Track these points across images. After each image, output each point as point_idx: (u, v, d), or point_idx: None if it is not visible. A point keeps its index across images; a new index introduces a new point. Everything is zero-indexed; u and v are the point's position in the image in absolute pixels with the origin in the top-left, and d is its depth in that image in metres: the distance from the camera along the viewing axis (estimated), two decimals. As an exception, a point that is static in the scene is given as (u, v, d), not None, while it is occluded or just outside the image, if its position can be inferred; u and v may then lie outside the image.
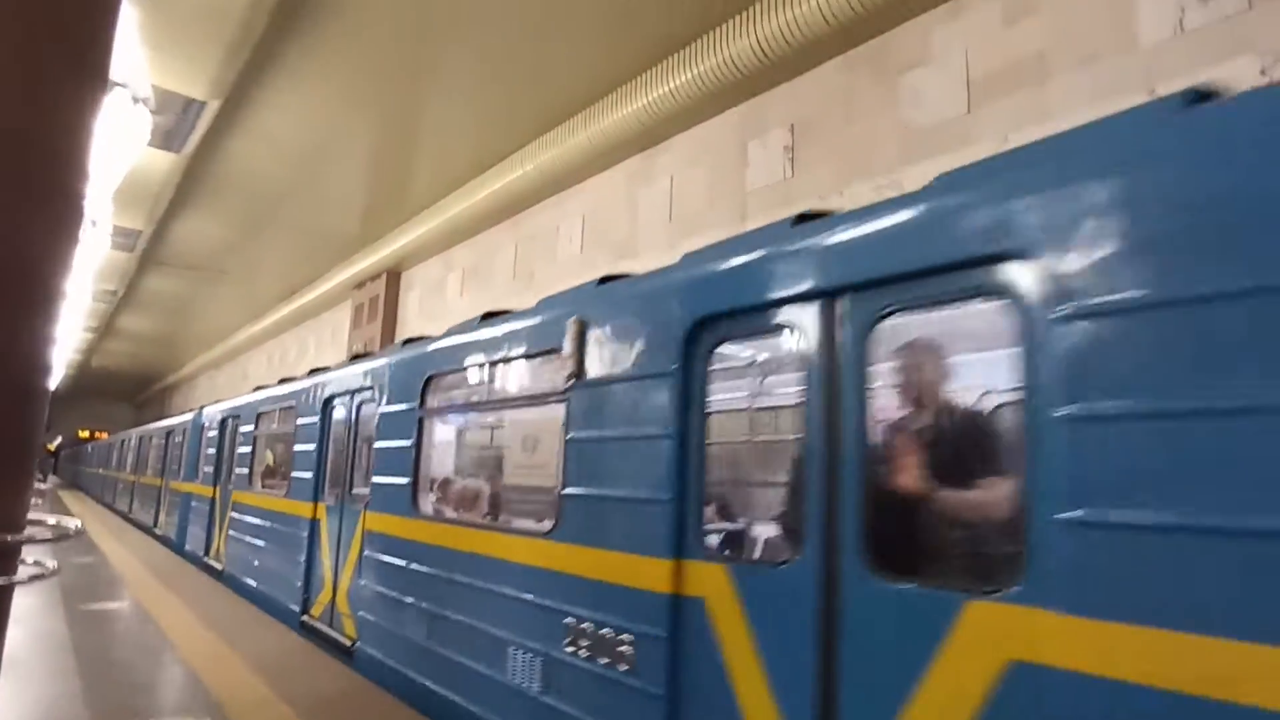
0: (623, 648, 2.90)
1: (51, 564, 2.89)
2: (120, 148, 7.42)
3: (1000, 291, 2.09)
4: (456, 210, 10.77)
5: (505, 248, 10.78)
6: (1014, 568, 1.92)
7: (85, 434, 42.15)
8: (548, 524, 3.49)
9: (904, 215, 2.37)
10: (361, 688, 3.98)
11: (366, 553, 5.07)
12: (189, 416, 12.30)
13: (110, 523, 14.57)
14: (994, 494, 2.17)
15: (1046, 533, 1.85)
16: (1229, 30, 4.21)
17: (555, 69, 7.49)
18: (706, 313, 2.91)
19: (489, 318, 4.74)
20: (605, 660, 2.97)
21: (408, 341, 5.86)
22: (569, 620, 3.18)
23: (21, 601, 6.10)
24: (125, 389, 41.99)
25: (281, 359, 20.66)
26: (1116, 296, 1.81)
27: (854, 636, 2.24)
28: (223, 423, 9.94)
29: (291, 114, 8.85)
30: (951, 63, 5.55)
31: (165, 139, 8.75)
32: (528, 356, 4.03)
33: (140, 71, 7.06)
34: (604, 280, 3.86)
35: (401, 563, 4.57)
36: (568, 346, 3.44)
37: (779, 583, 2.48)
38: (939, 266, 2.20)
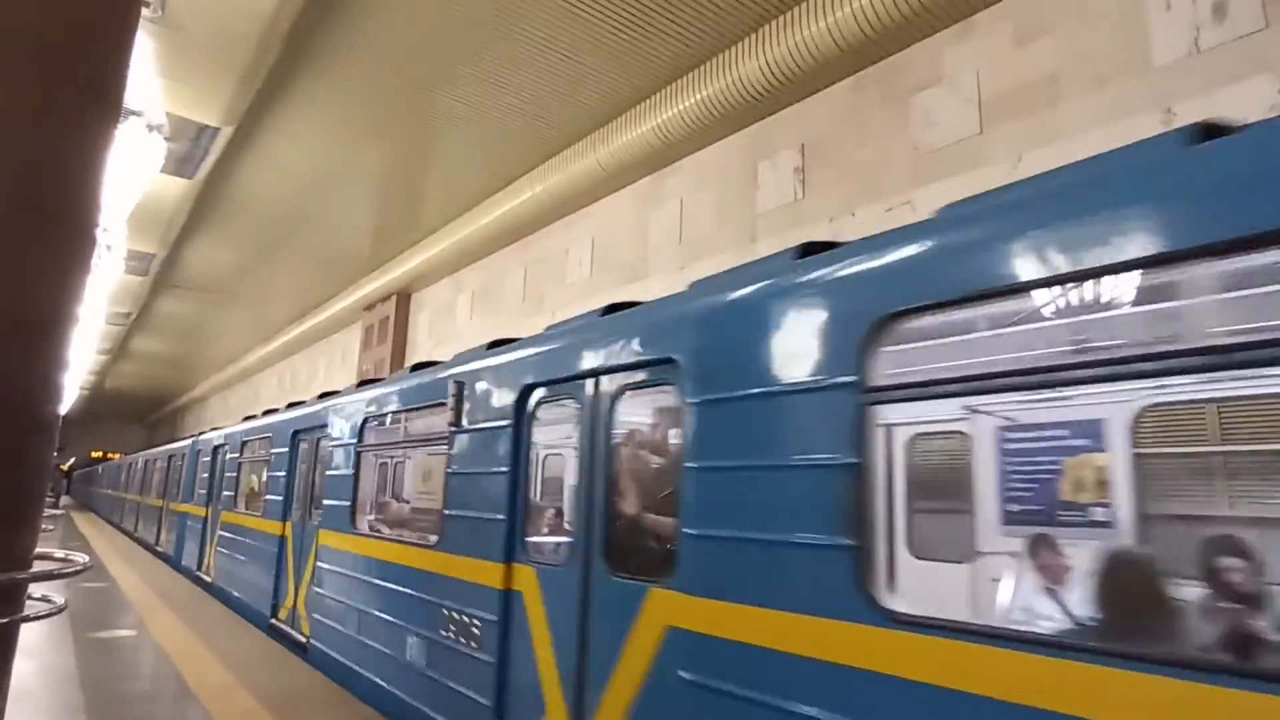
0: (474, 629, 3.92)
1: (60, 600, 2.84)
2: (134, 174, 7.50)
3: (670, 383, 3.13)
4: (466, 233, 10.81)
5: (514, 270, 10.79)
6: (671, 565, 2.92)
7: (99, 454, 42.31)
8: (434, 538, 4.53)
9: (624, 325, 3.50)
10: (316, 682, 3.96)
11: (319, 563, 6.11)
12: (187, 443, 13.48)
13: (118, 543, 14.57)
14: (666, 518, 3.18)
15: (684, 543, 2.87)
16: (1245, 50, 4.17)
17: (564, 92, 7.53)
18: (528, 382, 3.94)
19: (418, 368, 5.76)
20: (464, 640, 3.98)
21: (362, 383, 6.93)
22: (445, 611, 4.20)
23: (30, 631, 6.07)
24: (138, 410, 42.26)
25: (293, 380, 20.72)
26: (713, 394, 2.88)
27: (597, 613, 3.29)
28: (215, 450, 10.86)
29: (302, 139, 8.93)
30: (962, 83, 5.53)
31: (179, 165, 8.83)
32: (428, 407, 5.02)
33: (154, 99, 7.15)
34: (493, 344, 4.80)
35: (340, 570, 5.64)
36: (450, 401, 4.46)
37: (560, 579, 3.52)
38: (645, 362, 3.26)
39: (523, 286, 10.52)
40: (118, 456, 32.51)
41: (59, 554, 2.91)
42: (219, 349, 22.95)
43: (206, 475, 11.00)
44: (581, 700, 3.23)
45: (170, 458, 14.39)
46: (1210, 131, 1.97)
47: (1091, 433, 3.95)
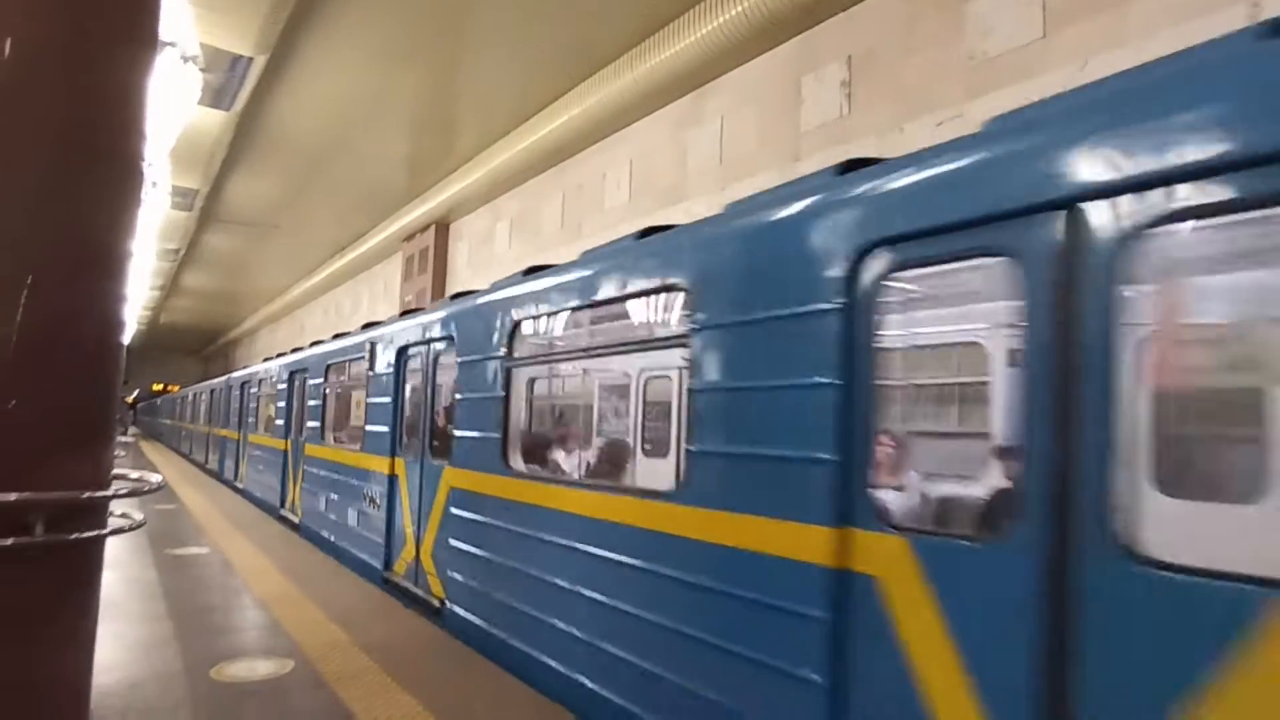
0: (376, 503, 5.22)
1: (138, 516, 3.04)
2: (172, 107, 7.55)
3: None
4: (502, 159, 10.70)
5: (552, 197, 10.71)
6: (451, 453, 4.15)
7: (159, 387, 44.31)
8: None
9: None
10: (436, 636, 4.15)
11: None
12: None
13: (184, 469, 15.40)
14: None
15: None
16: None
17: (599, 8, 7.27)
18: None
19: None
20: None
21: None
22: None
23: (113, 545, 6.51)
24: (192, 344, 43.83)
25: (337, 312, 21.18)
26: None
27: (426, 482, 5.15)
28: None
29: (335, 67, 8.84)
30: (1024, -16, 5.17)
31: (215, 97, 8.85)
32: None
33: (188, 29, 7.12)
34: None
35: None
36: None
37: (411, 464, 5.63)
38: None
39: (561, 213, 10.45)
40: (176, 389, 33.99)
41: (134, 474, 3.09)
42: (265, 283, 23.47)
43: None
44: (420, 531, 5.14)
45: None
46: None
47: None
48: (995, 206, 2.05)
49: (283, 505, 9.39)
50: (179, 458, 19.48)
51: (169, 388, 42.20)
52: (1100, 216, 1.85)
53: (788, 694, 2.40)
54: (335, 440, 7.88)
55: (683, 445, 3.06)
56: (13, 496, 2.49)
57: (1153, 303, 2.61)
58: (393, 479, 5.87)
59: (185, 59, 7.65)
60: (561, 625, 3.41)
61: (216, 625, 4.19)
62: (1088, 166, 1.88)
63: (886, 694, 2.15)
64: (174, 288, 24.21)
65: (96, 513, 2.81)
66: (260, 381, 11.53)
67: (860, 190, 2.48)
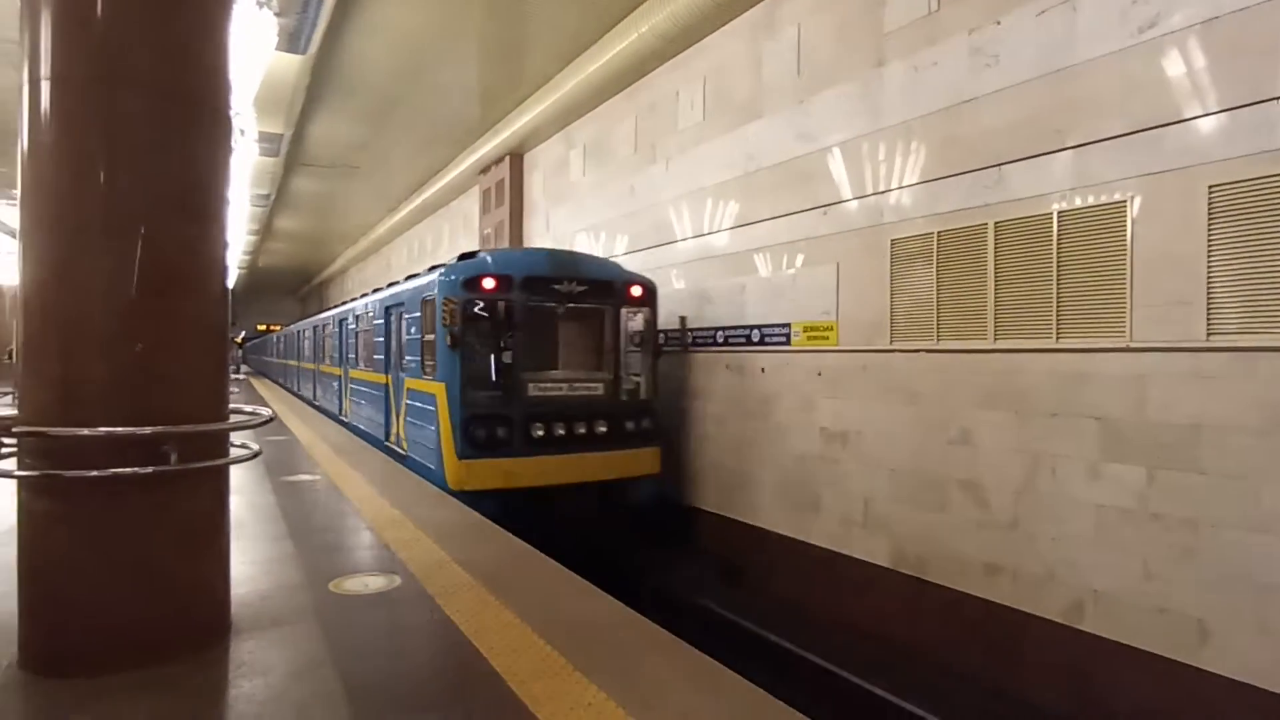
0: (377, 399, 10.09)
1: (255, 446, 3.34)
2: (252, 53, 7.78)
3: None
4: (572, 84, 10.57)
5: (625, 119, 10.55)
6: (410, 369, 8.66)
7: (263, 327, 47.29)
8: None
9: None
10: (529, 555, 4.42)
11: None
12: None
13: (292, 404, 16.55)
14: (414, 355, 8.42)
15: (388, 357, 9.78)
16: None
17: (665, -86, 6.93)
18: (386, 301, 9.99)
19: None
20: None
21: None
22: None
23: (236, 473, 7.14)
24: (290, 285, 46.20)
25: (420, 249, 21.80)
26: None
27: (401, 391, 9.09)
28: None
29: (403, 1, 8.87)
30: None
31: (290, 41, 9.05)
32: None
33: (260, -27, 7.26)
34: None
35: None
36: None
37: (396, 377, 9.29)
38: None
39: (634, 136, 10.30)
40: (279, 328, 36.32)
41: (248, 409, 3.38)
42: (351, 223, 24.34)
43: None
44: (396, 419, 8.87)
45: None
46: None
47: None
48: (425, 294, 7.79)
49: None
50: (286, 393, 20.93)
51: (271, 327, 45.01)
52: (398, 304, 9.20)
53: (384, 414, 9.51)
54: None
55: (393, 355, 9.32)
56: (148, 430, 2.80)
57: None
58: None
59: (260, 3, 7.83)
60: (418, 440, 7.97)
61: (330, 544, 4.61)
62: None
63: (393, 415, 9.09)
64: (268, 232, 25.43)
65: (219, 443, 3.11)
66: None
67: (398, 287, 9.42)
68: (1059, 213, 5.11)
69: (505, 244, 14.21)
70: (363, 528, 5.03)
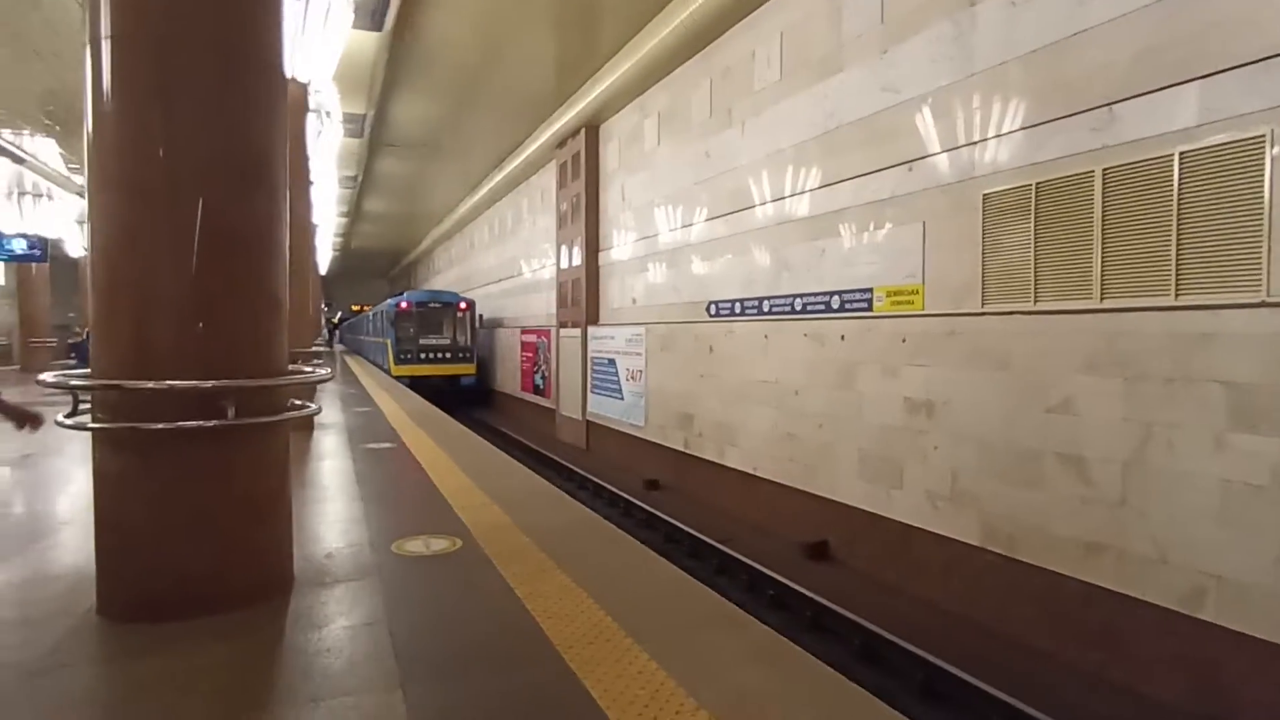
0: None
1: (313, 405, 3.36)
2: (329, 31, 7.94)
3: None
4: (646, 49, 10.36)
5: (699, 84, 10.26)
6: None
7: (356, 308, 49.46)
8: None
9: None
10: (591, 522, 4.35)
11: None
12: (379, 307, 26.26)
13: (379, 378, 17.22)
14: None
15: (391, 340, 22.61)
16: None
17: None
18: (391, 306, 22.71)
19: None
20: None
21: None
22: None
23: (322, 440, 7.39)
24: (380, 266, 48.03)
25: (500, 226, 22.12)
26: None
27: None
28: (382, 313, 23.95)
29: (474, -31, 8.88)
30: None
31: (367, 18, 9.21)
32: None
33: (333, -52, 7.36)
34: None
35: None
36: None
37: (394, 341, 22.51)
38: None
39: (709, 100, 10.01)
40: (369, 308, 38.90)
41: (306, 368, 3.41)
42: (434, 203, 24.95)
43: (382, 325, 22.64)
44: (388, 356, 21.50)
45: (375, 315, 23.66)
46: None
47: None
48: (386, 308, 23.48)
49: (383, 366, 19.10)
50: (375, 368, 21.86)
51: (365, 308, 47.18)
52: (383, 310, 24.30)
53: (384, 354, 22.23)
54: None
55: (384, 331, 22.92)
56: (209, 384, 2.84)
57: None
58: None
59: (336, -20, 7.97)
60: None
61: (398, 507, 4.70)
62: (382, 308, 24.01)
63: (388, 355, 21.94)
64: (358, 214, 26.40)
65: (277, 400, 3.14)
66: (377, 314, 23.66)
67: (384, 303, 25.00)
68: (1181, 154, 4.57)
69: (583, 217, 14.23)
70: (432, 492, 5.08)
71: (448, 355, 20.81)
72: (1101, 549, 5.01)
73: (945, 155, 6.29)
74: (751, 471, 9.00)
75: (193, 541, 2.84)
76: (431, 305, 21.14)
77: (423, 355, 20.54)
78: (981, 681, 4.76)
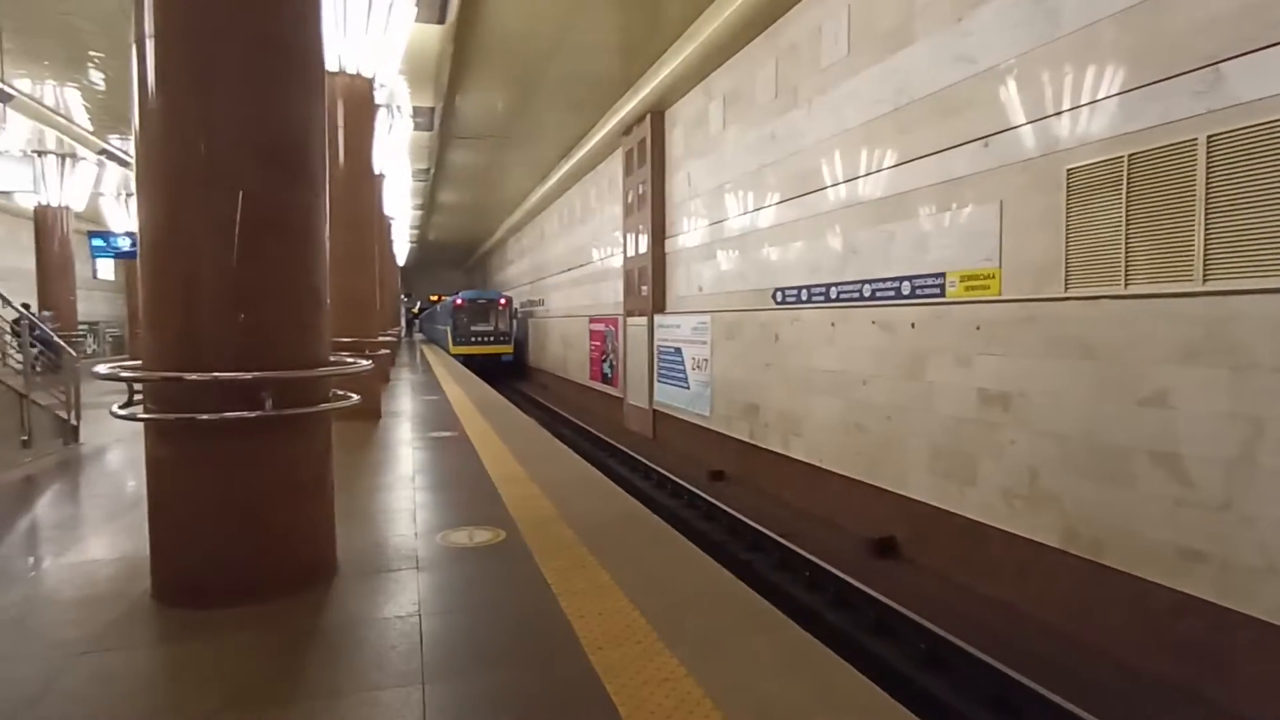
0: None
1: (355, 396, 3.38)
2: (392, 24, 8.06)
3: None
4: (710, 30, 10.14)
5: (765, 63, 9.96)
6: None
7: (434, 298, 51.10)
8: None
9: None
10: (640, 517, 4.27)
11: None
12: (442, 303, 30.57)
13: (450, 366, 17.63)
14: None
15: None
16: None
17: None
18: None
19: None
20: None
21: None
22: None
23: (391, 429, 7.57)
24: (456, 257, 49.18)
25: (570, 214, 22.25)
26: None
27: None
28: (442, 307, 27.97)
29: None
30: None
31: (430, 10, 9.32)
32: None
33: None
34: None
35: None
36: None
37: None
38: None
39: (774, 80, 9.71)
40: (444, 298, 41.59)
41: (349, 358, 3.43)
42: (506, 193, 25.29)
43: (443, 315, 27.23)
44: (448, 339, 28.54)
45: (439, 308, 28.39)
46: None
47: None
48: (446, 305, 33.26)
49: (445, 346, 22.24)
50: (446, 356, 22.51)
51: (440, 297, 48.78)
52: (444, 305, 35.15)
53: (445, 339, 29.93)
54: None
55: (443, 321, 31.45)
56: (249, 375, 2.88)
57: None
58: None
59: (398, -26, 8.07)
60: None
61: (450, 497, 4.79)
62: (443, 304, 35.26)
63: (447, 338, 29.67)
64: (432, 206, 27.05)
65: (317, 390, 3.17)
66: (440, 308, 30.87)
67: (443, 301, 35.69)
68: (1297, 117, 4.09)
69: (649, 204, 14.12)
70: (484, 482, 5.10)
71: (491, 339, 27.54)
72: (1200, 556, 4.59)
73: (1026, 128, 5.86)
74: (817, 464, 8.74)
75: (235, 529, 2.90)
76: (479, 301, 27.93)
77: (473, 339, 27.24)
78: (1060, 697, 4.44)
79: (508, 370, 27.29)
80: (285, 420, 2.96)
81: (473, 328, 27.30)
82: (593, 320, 19.08)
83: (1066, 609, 5.42)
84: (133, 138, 3.02)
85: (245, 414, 2.86)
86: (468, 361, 23.76)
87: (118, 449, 6.69)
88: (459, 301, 27.75)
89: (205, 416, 2.84)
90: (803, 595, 6.55)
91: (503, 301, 27.87)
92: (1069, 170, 5.45)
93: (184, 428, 2.88)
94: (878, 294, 7.64)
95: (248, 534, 2.93)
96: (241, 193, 2.91)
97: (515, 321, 28.53)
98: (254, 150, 2.96)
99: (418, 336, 49.05)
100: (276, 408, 2.88)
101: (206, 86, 2.88)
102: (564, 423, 17.64)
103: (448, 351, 26.97)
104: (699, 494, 9.68)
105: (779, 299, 9.64)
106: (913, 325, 7.08)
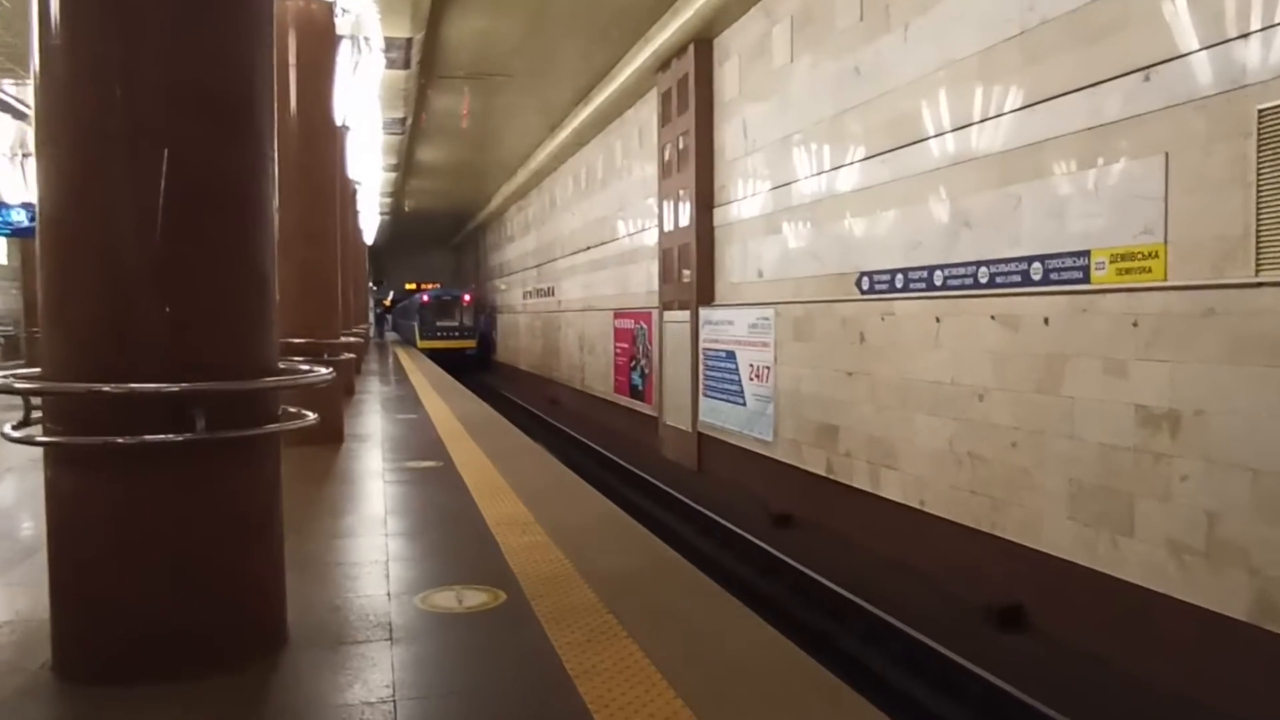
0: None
1: (312, 414, 3.45)
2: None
3: None
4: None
5: (845, -25, 9.96)
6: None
7: (413, 286, 51.84)
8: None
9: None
10: (669, 562, 4.29)
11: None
12: (412, 298, 37.15)
13: (433, 378, 17.85)
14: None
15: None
16: None
17: None
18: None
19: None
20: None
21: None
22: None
23: (345, 461, 7.68)
24: (441, 232, 49.81)
25: (588, 176, 22.41)
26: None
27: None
28: (410, 302, 36.82)
29: None
30: None
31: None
32: None
33: None
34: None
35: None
36: None
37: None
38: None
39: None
40: (430, 287, 44.09)
41: (304, 365, 3.50)
42: (506, 149, 25.58)
43: (412, 309, 34.31)
44: (416, 334, 40.08)
45: (410, 303, 32.22)
46: None
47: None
48: (413, 299, 47.20)
49: (413, 341, 36.88)
50: (429, 361, 22.78)
51: (423, 286, 49.61)
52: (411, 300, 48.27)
53: (412, 332, 42.19)
54: None
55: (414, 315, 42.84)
56: (176, 388, 2.94)
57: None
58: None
59: None
60: None
61: (432, 546, 4.90)
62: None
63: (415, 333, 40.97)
64: (410, 166, 27.46)
65: (263, 406, 3.22)
66: (410, 302, 46.58)
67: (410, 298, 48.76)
68: None
69: (692, 163, 14.18)
70: (477, 526, 5.16)
71: (456, 333, 38.00)
72: None
73: (1202, 55, 5.77)
74: (916, 505, 8.66)
75: (158, 584, 2.96)
76: (444, 298, 39.31)
77: (439, 334, 37.48)
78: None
79: (473, 364, 37.20)
80: (223, 445, 3.01)
81: (438, 323, 37.93)
82: (618, 315, 19.19)
83: (1265, 704, 5.30)
84: (31, 83, 3.11)
85: (172, 437, 2.91)
86: (434, 355, 30.73)
87: (9, 480, 6.88)
88: (425, 299, 39.48)
89: (122, 440, 2.90)
90: (899, 675, 6.53)
91: (466, 298, 39.22)
92: (1261, 111, 5.36)
93: (95, 454, 2.95)
94: (998, 279, 7.57)
95: (174, 591, 2.99)
96: (167, 152, 2.97)
97: (482, 317, 40.50)
98: (184, 98, 3.02)
99: (390, 337, 49.73)
100: (211, 429, 2.93)
101: (125, 17, 2.95)
102: (582, 449, 17.74)
103: (414, 345, 36.81)
104: (758, 544, 9.66)
105: (865, 287, 9.60)
106: (1046, 321, 7.02)
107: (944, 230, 8.29)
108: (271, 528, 3.29)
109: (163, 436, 2.90)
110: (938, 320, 8.34)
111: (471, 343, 38.39)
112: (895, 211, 9.07)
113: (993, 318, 7.60)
